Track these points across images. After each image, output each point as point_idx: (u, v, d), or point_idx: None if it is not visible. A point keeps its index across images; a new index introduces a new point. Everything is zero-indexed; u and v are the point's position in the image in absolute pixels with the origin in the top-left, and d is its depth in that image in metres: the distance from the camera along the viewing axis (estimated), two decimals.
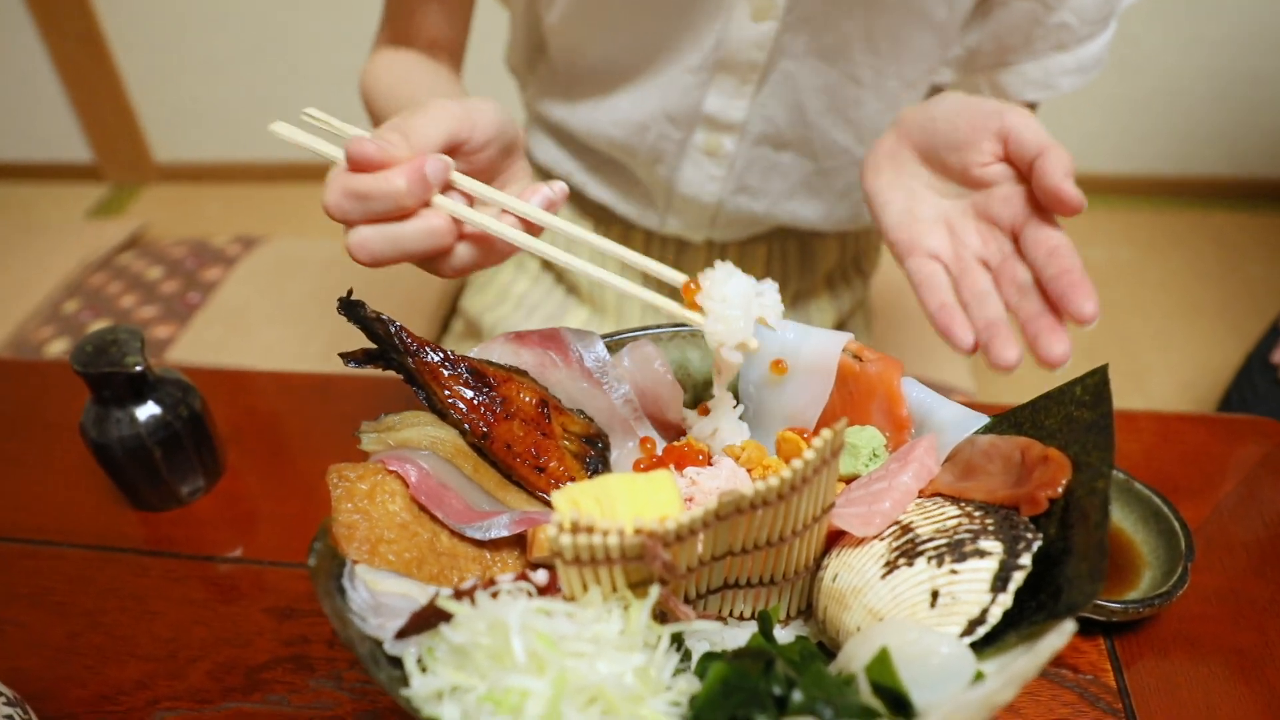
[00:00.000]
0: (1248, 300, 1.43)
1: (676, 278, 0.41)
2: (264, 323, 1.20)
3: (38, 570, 0.53)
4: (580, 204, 0.74)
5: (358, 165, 0.38)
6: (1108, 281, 1.51)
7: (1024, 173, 0.43)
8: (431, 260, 0.41)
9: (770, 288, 0.41)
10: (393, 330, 0.40)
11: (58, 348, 1.21)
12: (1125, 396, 1.31)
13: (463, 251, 0.41)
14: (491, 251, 0.42)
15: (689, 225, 0.69)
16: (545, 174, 0.75)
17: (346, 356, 0.41)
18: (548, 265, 0.78)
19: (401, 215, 0.39)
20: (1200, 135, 1.62)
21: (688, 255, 0.72)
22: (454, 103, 0.41)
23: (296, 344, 1.16)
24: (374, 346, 0.41)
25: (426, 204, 0.39)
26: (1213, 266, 1.52)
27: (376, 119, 0.61)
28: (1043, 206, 0.42)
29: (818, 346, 0.44)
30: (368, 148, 0.37)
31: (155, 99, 1.76)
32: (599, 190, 0.72)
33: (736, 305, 0.40)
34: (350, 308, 0.40)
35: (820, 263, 0.75)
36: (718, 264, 0.41)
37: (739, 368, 0.43)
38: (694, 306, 0.41)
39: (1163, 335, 1.40)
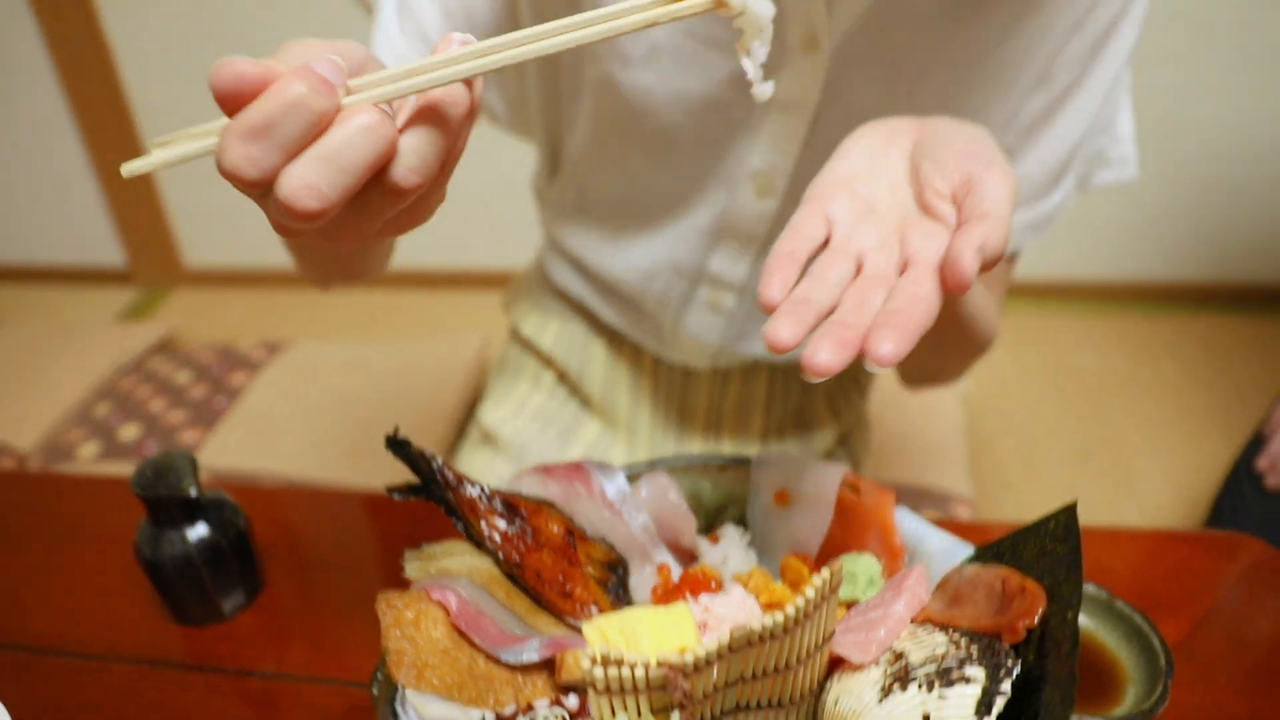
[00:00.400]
0: (1237, 403, 1.47)
1: None
2: (287, 427, 1.25)
3: (86, 685, 0.56)
4: (593, 324, 0.79)
5: (237, 91, 0.30)
6: (1101, 386, 1.56)
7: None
8: (385, 178, 0.32)
9: None
10: (435, 467, 0.45)
11: (89, 450, 1.26)
12: (1118, 502, 1.35)
13: (413, 141, 0.32)
14: (446, 124, 0.33)
15: (694, 357, 0.74)
16: (561, 294, 0.80)
17: (394, 490, 0.46)
18: (562, 379, 0.82)
19: (320, 130, 0.31)
20: (1185, 242, 1.70)
21: (693, 381, 0.77)
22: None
23: (318, 449, 1.20)
24: (417, 481, 0.46)
25: (338, 109, 0.31)
26: (1202, 370, 1.57)
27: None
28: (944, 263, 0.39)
29: (817, 479, 0.49)
30: (240, 65, 0.30)
31: (188, 205, 1.85)
32: (611, 315, 0.76)
33: None
34: (397, 446, 0.45)
35: (820, 384, 0.79)
36: None
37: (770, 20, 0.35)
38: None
39: (1155, 439, 1.44)
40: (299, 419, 1.27)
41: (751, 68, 0.36)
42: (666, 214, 0.67)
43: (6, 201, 1.88)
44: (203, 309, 1.83)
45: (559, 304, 0.81)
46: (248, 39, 1.66)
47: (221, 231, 1.86)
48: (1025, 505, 1.33)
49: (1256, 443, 1.03)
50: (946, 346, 0.61)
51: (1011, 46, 0.54)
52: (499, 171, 1.41)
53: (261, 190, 0.31)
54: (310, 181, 0.30)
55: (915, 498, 1.08)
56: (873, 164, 0.45)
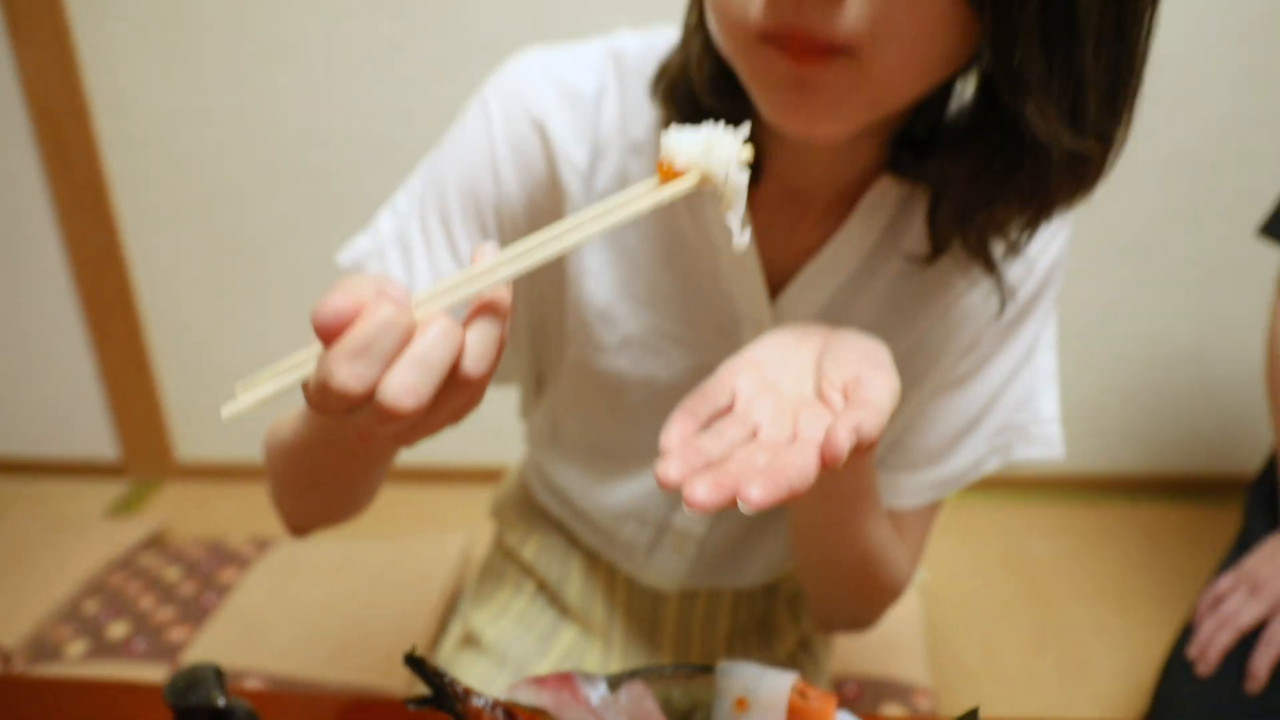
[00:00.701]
0: (1176, 587, 1.57)
1: None
2: (274, 625, 1.30)
3: None
4: (572, 541, 0.86)
5: (337, 321, 0.36)
6: (1051, 574, 1.65)
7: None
8: (457, 371, 0.38)
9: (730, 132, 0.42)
10: (446, 681, 0.53)
11: (77, 649, 1.29)
12: (1074, 689, 1.41)
13: (475, 336, 0.38)
14: (497, 318, 0.39)
15: (663, 584, 0.80)
16: (543, 512, 0.87)
17: (410, 701, 0.53)
18: (542, 588, 0.88)
19: (407, 340, 0.36)
20: (1120, 437, 1.84)
21: (663, 599, 0.83)
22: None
23: (304, 646, 1.25)
24: (428, 692, 0.54)
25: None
26: (1143, 556, 1.67)
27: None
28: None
29: (772, 686, 0.57)
30: (337, 300, 0.35)
31: (184, 400, 1.95)
32: (588, 538, 0.83)
33: (707, 139, 0.41)
34: (415, 664, 0.53)
35: (781, 590, 0.88)
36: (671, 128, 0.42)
37: (745, 185, 0.42)
38: (672, 175, 0.41)
39: (1104, 626, 1.52)
40: (286, 616, 1.31)
41: (735, 223, 0.43)
42: (633, 472, 0.74)
43: (6, 395, 1.97)
44: (193, 503, 1.89)
45: (541, 519, 0.88)
46: (260, 248, 1.81)
47: (214, 426, 1.95)
48: (986, 695, 1.39)
49: (1187, 632, 1.09)
50: (854, 583, 0.67)
51: (934, 341, 0.64)
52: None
53: (361, 403, 0.37)
54: (408, 384, 0.36)
55: (877, 690, 1.14)
56: (783, 354, 0.51)
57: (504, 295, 0.39)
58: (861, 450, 0.42)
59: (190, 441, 1.97)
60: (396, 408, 0.36)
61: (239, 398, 0.38)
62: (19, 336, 1.91)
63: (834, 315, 0.63)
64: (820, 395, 0.48)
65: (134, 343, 1.87)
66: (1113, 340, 1.77)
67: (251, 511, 1.79)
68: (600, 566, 0.85)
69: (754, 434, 0.46)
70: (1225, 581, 1.03)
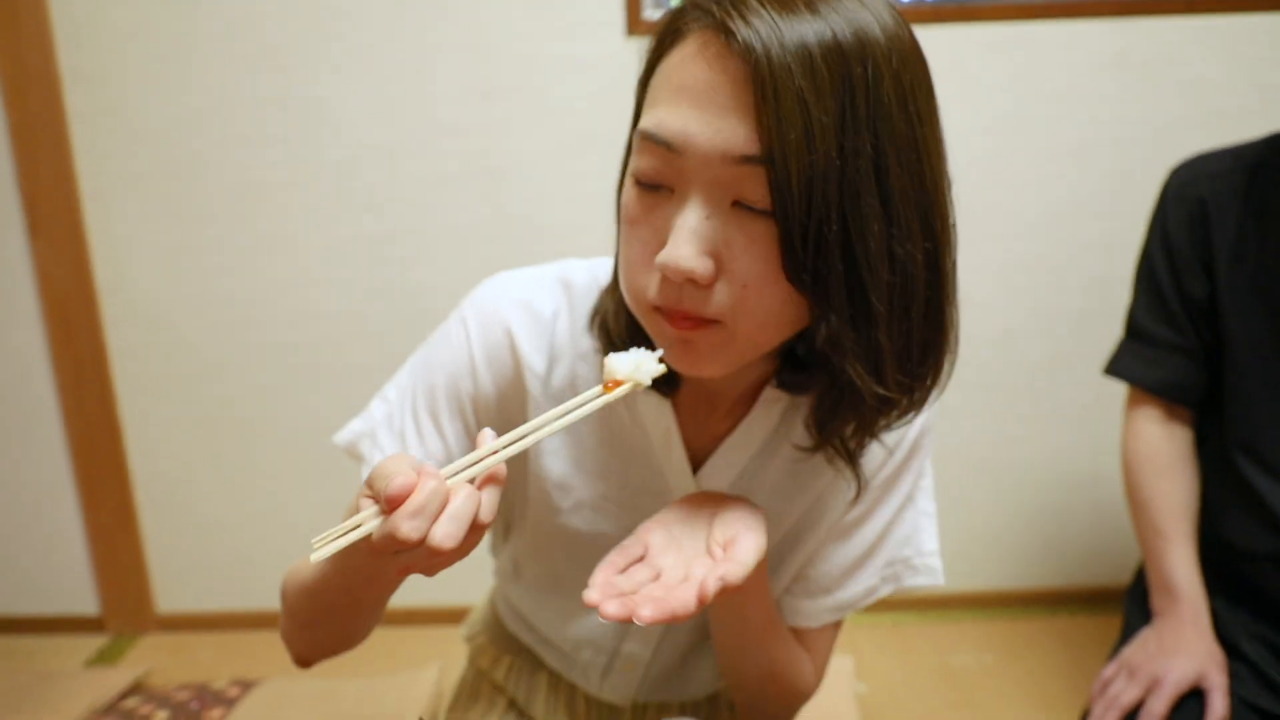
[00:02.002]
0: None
1: None
2: None
3: None
4: (538, 663, 0.97)
5: (401, 494, 0.50)
6: (975, 683, 1.79)
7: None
8: (475, 521, 0.53)
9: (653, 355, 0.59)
10: None
11: None
12: None
13: (486, 496, 0.54)
14: (498, 484, 0.55)
15: (617, 699, 0.92)
16: (513, 637, 0.98)
17: None
18: (512, 705, 0.99)
19: (445, 503, 0.52)
20: (1032, 555, 2.03)
21: (619, 713, 0.94)
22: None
23: None
24: None
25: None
26: (1062, 664, 1.83)
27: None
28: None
29: None
30: (401, 481, 0.51)
31: (167, 557, 2.05)
32: (552, 660, 0.95)
33: (636, 359, 0.58)
34: None
35: (723, 699, 0.99)
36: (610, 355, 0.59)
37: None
38: (613, 385, 0.57)
39: None
40: None
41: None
42: (586, 616, 0.87)
43: None
44: (172, 652, 1.97)
45: (510, 643, 1.00)
46: (245, 416, 1.98)
47: (195, 580, 2.06)
48: None
49: (1085, 716, 1.23)
50: (768, 690, 0.80)
51: (827, 497, 0.79)
52: None
53: (415, 547, 0.52)
54: (450, 532, 0.52)
55: None
56: (686, 517, 0.68)
57: (502, 469, 0.56)
58: (728, 591, 0.60)
59: (170, 595, 2.07)
60: (441, 548, 0.52)
61: (322, 549, 0.54)
62: (12, 499, 2.02)
63: (744, 484, 0.78)
64: (709, 549, 0.65)
65: (123, 504, 2.00)
66: (1009, 469, 1.99)
67: (231, 656, 1.89)
68: (562, 685, 0.97)
69: (657, 576, 0.63)
70: (1109, 670, 1.19)
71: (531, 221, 1.86)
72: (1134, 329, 1.28)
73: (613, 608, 0.57)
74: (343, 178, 1.85)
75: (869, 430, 0.69)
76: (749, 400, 0.76)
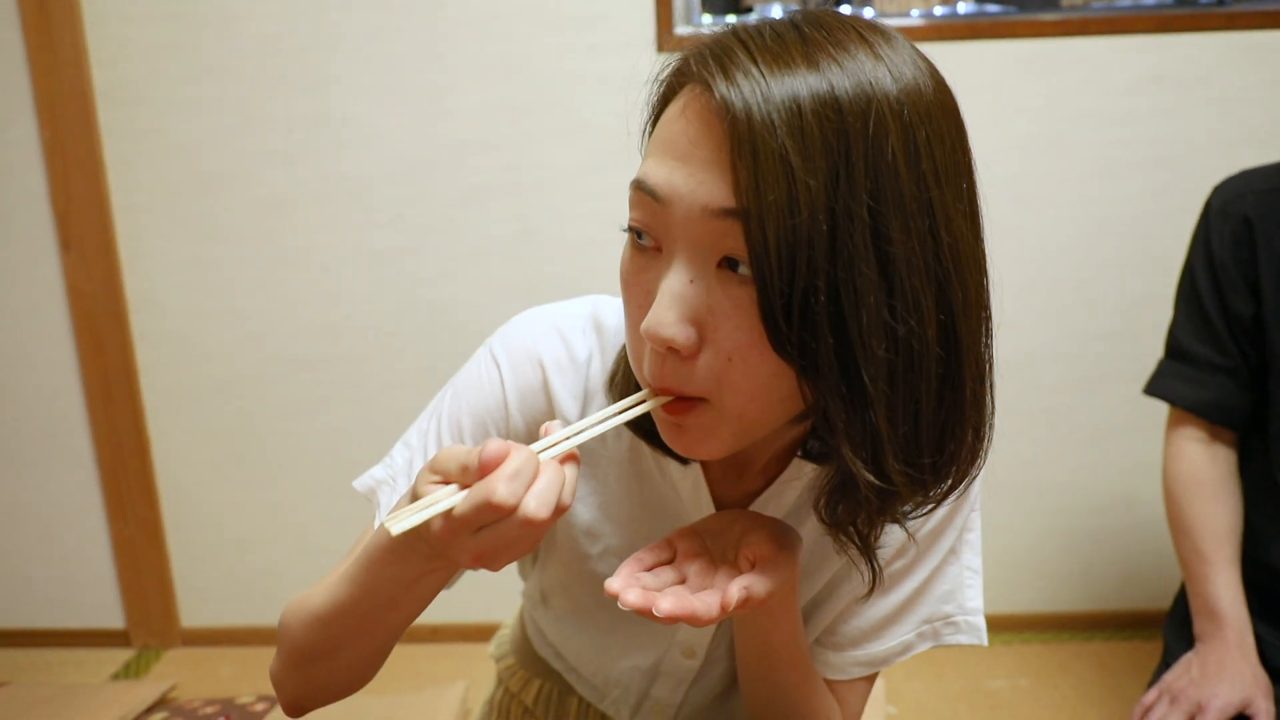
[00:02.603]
0: (1127, 713, 1.68)
1: None
2: None
3: None
4: (567, 688, 0.95)
5: (497, 456, 0.50)
6: (1009, 707, 1.76)
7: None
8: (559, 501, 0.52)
9: None
10: None
11: None
12: None
13: (569, 474, 0.54)
14: (575, 464, 0.55)
15: None
16: (542, 660, 0.95)
17: None
18: None
19: (537, 473, 0.52)
20: (1064, 579, 2.00)
21: None
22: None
23: None
24: None
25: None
26: (1096, 689, 1.79)
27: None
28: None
29: None
30: (496, 444, 0.50)
31: (192, 572, 2.06)
32: (582, 689, 0.92)
33: None
34: None
35: None
36: None
37: None
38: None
39: None
40: None
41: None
42: (616, 655, 0.85)
43: (22, 571, 2.07)
44: (196, 667, 1.97)
45: (540, 665, 0.97)
46: (269, 430, 1.98)
47: (219, 597, 2.06)
48: None
49: None
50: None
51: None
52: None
53: (506, 515, 0.50)
54: (545, 499, 0.51)
55: None
56: (720, 528, 0.65)
57: (578, 452, 0.56)
58: (751, 605, 0.59)
59: (195, 611, 2.07)
60: (536, 517, 0.50)
61: (399, 523, 0.51)
62: (41, 513, 2.04)
63: None
64: (736, 561, 0.62)
65: (150, 519, 2.00)
66: (1044, 492, 1.96)
67: (256, 673, 1.89)
68: (593, 713, 0.94)
69: (683, 580, 0.61)
70: (1150, 695, 1.17)
71: (558, 238, 1.86)
72: (1175, 348, 1.26)
73: (633, 596, 0.56)
74: (370, 194, 1.86)
75: (878, 521, 0.63)
76: (784, 460, 0.72)
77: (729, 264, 0.54)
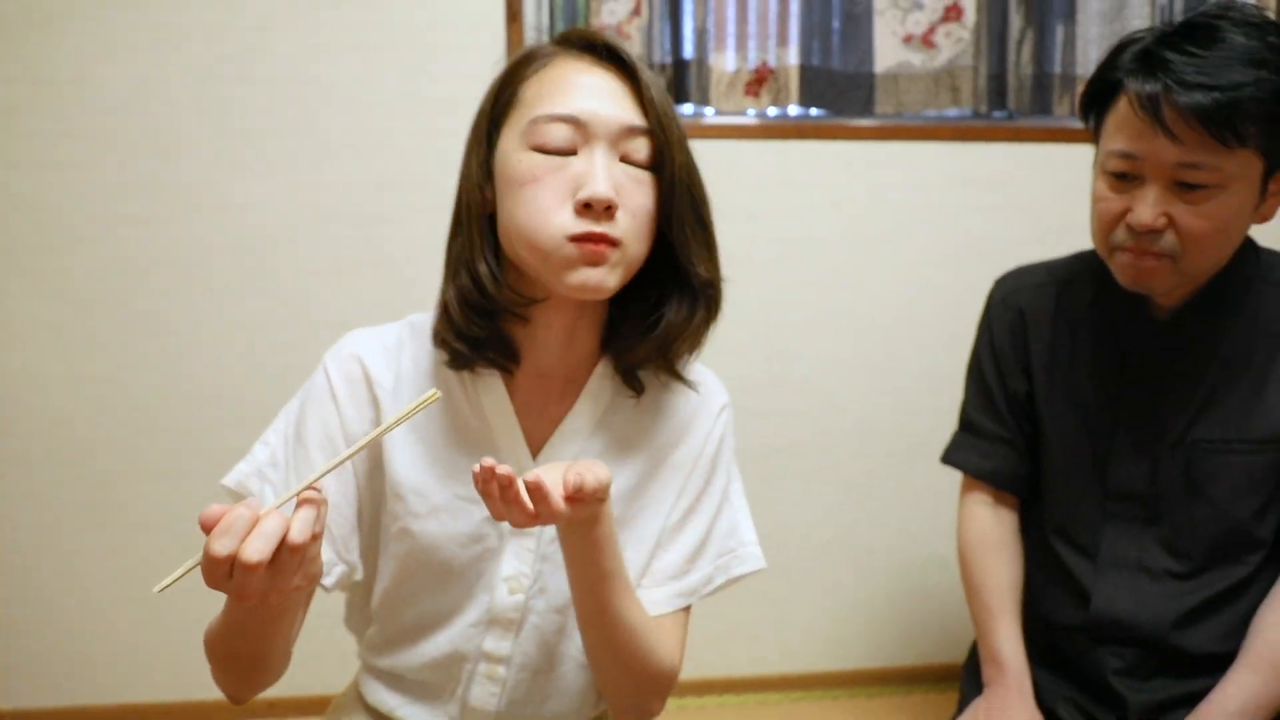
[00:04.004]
0: None
1: None
2: None
3: None
4: None
5: (211, 520, 0.63)
6: None
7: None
8: (286, 540, 0.64)
9: None
10: None
11: None
12: None
13: (299, 517, 0.65)
14: (313, 505, 0.66)
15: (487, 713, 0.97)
16: (375, 712, 1.01)
17: None
18: None
19: (254, 525, 0.64)
20: (888, 634, 2.14)
21: None
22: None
23: None
24: None
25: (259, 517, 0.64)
26: None
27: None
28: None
29: None
30: (212, 509, 0.64)
31: (15, 650, 1.95)
32: (416, 716, 0.98)
33: None
34: None
35: None
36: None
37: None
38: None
39: None
40: None
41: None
42: (449, 619, 0.94)
43: None
44: None
45: (373, 715, 1.02)
46: (124, 502, 1.92)
47: (43, 673, 1.96)
48: None
49: None
50: (630, 662, 0.90)
51: (654, 480, 0.96)
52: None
53: (229, 566, 0.63)
54: (257, 547, 0.62)
55: None
56: (551, 467, 0.78)
57: (316, 495, 0.67)
58: (585, 498, 0.75)
59: (13, 691, 1.96)
60: (249, 561, 0.62)
61: (163, 581, 0.65)
62: None
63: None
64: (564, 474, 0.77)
65: None
66: (872, 553, 2.12)
67: None
68: None
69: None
70: None
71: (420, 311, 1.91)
72: (966, 422, 1.41)
73: (502, 468, 0.72)
74: (224, 260, 1.87)
75: (670, 348, 0.91)
76: (578, 385, 0.94)
77: (625, 160, 0.84)
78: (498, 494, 0.73)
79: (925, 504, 2.09)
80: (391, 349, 0.94)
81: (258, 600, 0.67)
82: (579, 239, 0.81)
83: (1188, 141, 1.02)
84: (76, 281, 1.85)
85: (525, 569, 0.93)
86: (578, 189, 0.81)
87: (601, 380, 0.94)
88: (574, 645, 0.96)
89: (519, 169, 0.83)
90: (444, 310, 0.89)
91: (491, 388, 0.92)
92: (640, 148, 0.84)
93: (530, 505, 0.74)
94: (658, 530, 0.96)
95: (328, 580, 0.91)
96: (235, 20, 1.81)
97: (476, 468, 0.72)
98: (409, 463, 0.92)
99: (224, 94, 1.82)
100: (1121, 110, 1.08)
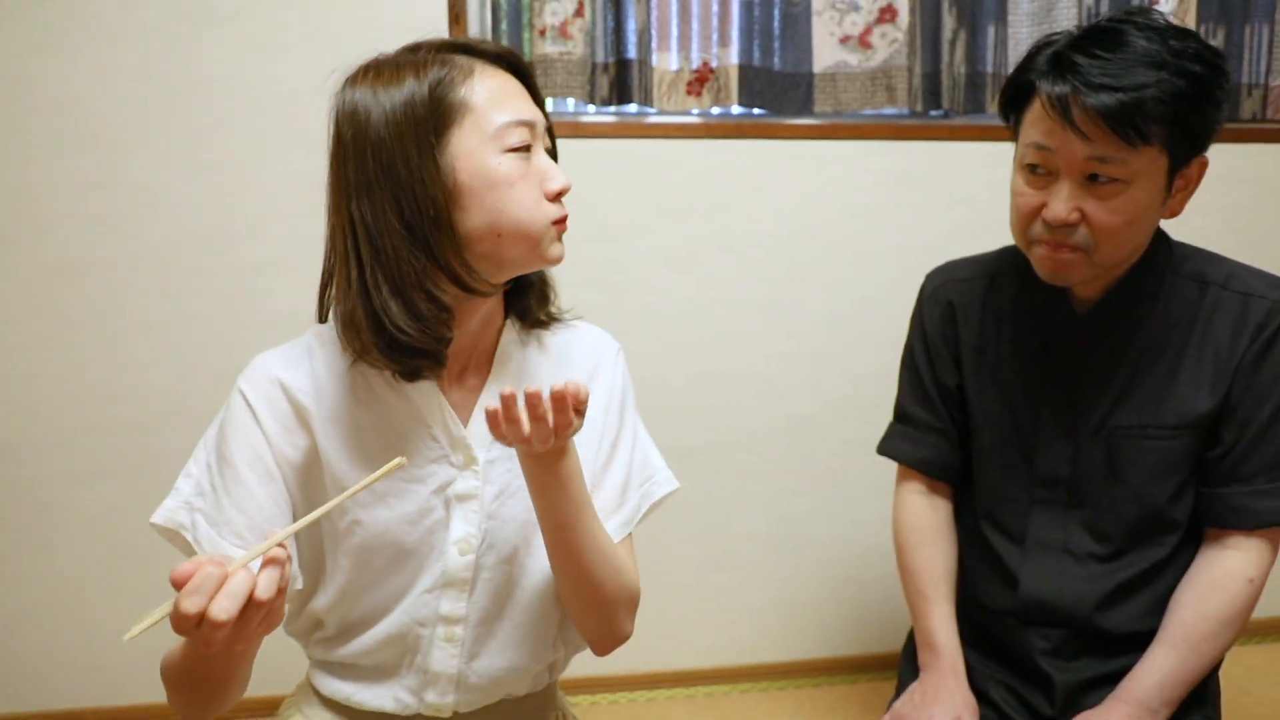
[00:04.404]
0: None
1: None
2: None
3: None
4: (359, 716, 1.02)
5: (183, 576, 0.68)
6: None
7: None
8: (253, 596, 0.69)
9: None
10: None
11: None
12: None
13: (265, 575, 0.70)
14: (277, 564, 0.72)
15: (441, 694, 1.00)
16: (329, 701, 1.03)
17: None
18: None
19: (222, 583, 0.68)
20: (834, 625, 2.18)
21: None
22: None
23: None
24: None
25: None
26: None
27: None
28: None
29: None
30: (184, 566, 0.68)
31: None
32: (373, 699, 1.01)
33: None
34: None
35: None
36: None
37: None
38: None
39: None
40: None
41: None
42: (404, 593, 0.98)
43: None
44: None
45: (328, 712, 1.04)
46: (43, 506, 1.89)
47: None
48: None
49: None
50: (600, 584, 0.96)
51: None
52: None
53: (199, 622, 0.67)
54: (223, 606, 0.67)
55: None
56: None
57: (280, 552, 0.72)
58: (580, 408, 0.84)
59: None
60: (217, 620, 0.67)
61: (132, 629, 0.68)
62: None
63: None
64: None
65: None
66: (815, 545, 2.15)
67: None
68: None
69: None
70: None
71: None
72: (900, 413, 1.45)
73: (519, 391, 0.82)
74: (161, 261, 1.85)
75: (547, 293, 1.05)
76: (491, 350, 1.01)
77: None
78: (520, 416, 0.82)
79: (867, 495, 2.13)
80: (302, 359, 0.98)
81: (223, 649, 0.71)
82: (558, 222, 0.93)
83: (1096, 140, 1.07)
84: (16, 282, 1.82)
85: (473, 529, 0.97)
86: (544, 181, 0.92)
87: (509, 345, 1.02)
88: (524, 594, 1.01)
89: (501, 170, 0.89)
90: (383, 326, 0.89)
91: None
92: (546, 139, 0.97)
93: (552, 418, 0.83)
94: (590, 473, 1.02)
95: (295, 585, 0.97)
96: (174, 18, 1.79)
97: (495, 405, 0.82)
98: (346, 460, 0.96)
99: (163, 92, 1.80)
100: (1036, 110, 1.13)
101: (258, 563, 0.72)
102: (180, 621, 0.67)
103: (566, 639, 1.07)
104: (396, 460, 0.79)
